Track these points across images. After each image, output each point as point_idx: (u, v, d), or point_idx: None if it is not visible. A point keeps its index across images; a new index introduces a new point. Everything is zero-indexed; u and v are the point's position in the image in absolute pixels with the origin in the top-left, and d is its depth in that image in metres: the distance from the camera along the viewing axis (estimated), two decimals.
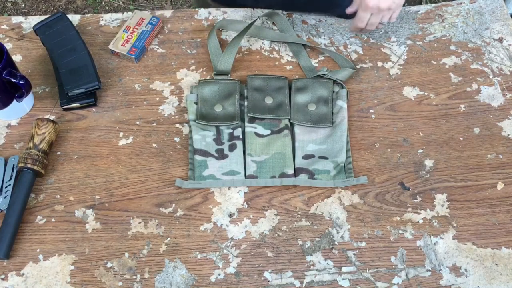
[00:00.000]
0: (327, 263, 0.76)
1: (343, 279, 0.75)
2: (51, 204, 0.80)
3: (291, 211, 0.80)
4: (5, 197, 0.79)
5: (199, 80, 0.89)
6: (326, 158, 0.83)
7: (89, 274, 0.75)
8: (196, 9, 1.00)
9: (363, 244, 0.78)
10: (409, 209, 0.80)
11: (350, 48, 0.96)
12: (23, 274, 0.75)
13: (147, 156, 0.85)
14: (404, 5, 0.97)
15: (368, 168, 0.84)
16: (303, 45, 0.95)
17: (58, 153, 0.85)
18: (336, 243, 0.78)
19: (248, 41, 0.97)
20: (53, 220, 0.79)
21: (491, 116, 0.89)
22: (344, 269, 0.76)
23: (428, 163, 0.84)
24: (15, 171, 0.81)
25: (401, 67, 0.94)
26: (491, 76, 0.93)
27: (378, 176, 0.83)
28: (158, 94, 0.91)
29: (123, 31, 0.94)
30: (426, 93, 0.91)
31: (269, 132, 0.85)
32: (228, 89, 0.88)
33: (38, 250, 0.77)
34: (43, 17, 0.94)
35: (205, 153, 0.83)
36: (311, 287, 0.75)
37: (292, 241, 0.78)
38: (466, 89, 0.92)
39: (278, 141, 0.84)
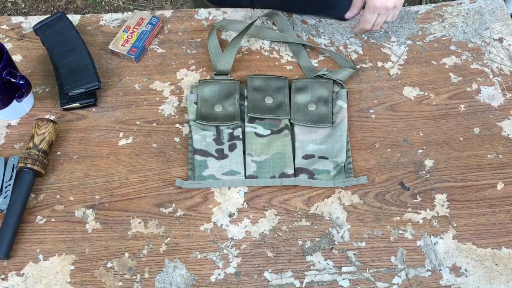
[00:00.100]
0: (327, 263, 0.76)
1: (343, 279, 0.75)
2: (51, 204, 0.80)
3: (291, 211, 0.80)
4: (5, 197, 0.79)
5: (199, 80, 0.89)
6: (326, 158, 0.83)
7: (89, 274, 0.75)
8: (196, 9, 1.00)
9: (363, 244, 0.78)
10: (409, 209, 0.80)
11: (350, 48, 0.96)
12: (23, 274, 0.75)
13: (147, 156, 0.85)
14: (404, 5, 0.97)
15: (368, 168, 0.84)
16: (303, 45, 0.95)
17: (58, 153, 0.85)
18: (336, 243, 0.78)
19: (248, 41, 0.97)
20: (53, 220, 0.79)
21: (491, 116, 0.89)
22: (344, 269, 0.76)
23: (428, 163, 0.84)
24: (15, 171, 0.81)
25: (401, 67, 0.94)
26: (491, 76, 0.93)
27: (378, 176, 0.83)
28: (158, 94, 0.91)
29: (123, 31, 0.94)
30: (426, 93, 0.91)
31: (269, 132, 0.85)
32: (228, 89, 0.88)
33: (38, 250, 0.77)
34: (43, 17, 0.94)
35: (205, 153, 0.83)
36: (311, 287, 0.75)
37: (292, 241, 0.78)
38: (466, 89, 0.92)
39: (278, 141, 0.84)
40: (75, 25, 0.96)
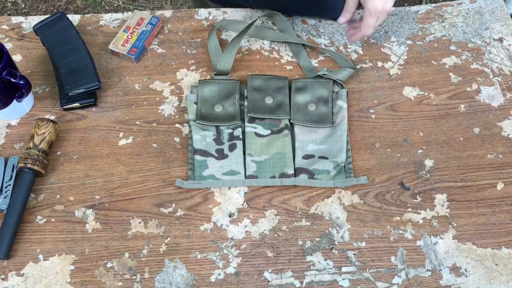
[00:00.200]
0: (327, 263, 0.76)
1: (343, 279, 0.75)
2: (51, 204, 0.80)
3: (291, 211, 0.80)
4: (5, 197, 0.79)
5: (199, 80, 0.89)
6: (326, 158, 0.83)
7: (89, 274, 0.75)
8: (196, 9, 1.00)
9: (363, 244, 0.78)
10: (409, 209, 0.80)
11: (350, 48, 0.96)
12: (23, 274, 0.75)
13: (147, 156, 0.85)
14: (404, 5, 0.97)
15: (368, 168, 0.84)
16: (303, 45, 0.95)
17: (58, 153, 0.85)
18: (336, 243, 0.78)
19: (248, 41, 0.97)
20: (53, 220, 0.79)
21: (491, 116, 0.89)
22: (344, 269, 0.76)
23: (428, 163, 0.84)
24: (15, 171, 0.82)
25: (401, 67, 0.94)
26: (491, 76, 0.93)
27: (378, 176, 0.83)
28: (158, 94, 0.91)
29: (123, 31, 0.94)
30: (426, 93, 0.91)
31: (269, 132, 0.85)
32: (228, 89, 0.88)
33: (38, 250, 0.77)
34: (43, 17, 0.94)
35: (205, 153, 0.83)
36: (311, 287, 0.75)
37: (292, 241, 0.78)
38: (466, 89, 0.92)
39: (278, 141, 0.84)
40: (75, 25, 0.96)
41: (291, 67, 0.94)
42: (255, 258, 0.77)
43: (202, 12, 1.00)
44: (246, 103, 0.87)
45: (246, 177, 0.82)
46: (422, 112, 0.89)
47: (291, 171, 0.82)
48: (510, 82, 0.92)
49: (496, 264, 0.76)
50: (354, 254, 0.77)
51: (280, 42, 0.97)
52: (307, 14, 0.99)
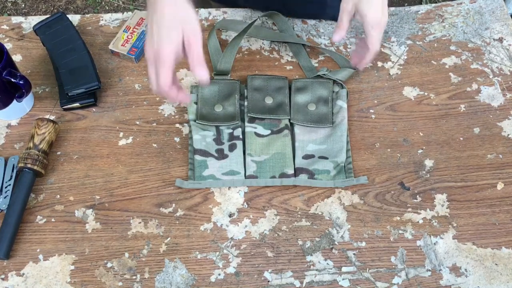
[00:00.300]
0: (327, 263, 0.76)
1: (343, 279, 0.75)
2: (51, 204, 0.80)
3: (291, 211, 0.80)
4: (5, 197, 0.79)
5: None
6: (326, 158, 0.83)
7: (89, 274, 0.75)
8: (196, 9, 1.00)
9: (363, 244, 0.78)
10: (409, 209, 0.80)
11: (350, 48, 0.96)
12: (23, 274, 0.75)
13: (147, 156, 0.85)
14: (404, 5, 0.97)
15: (368, 168, 0.84)
16: (303, 45, 0.95)
17: (58, 153, 0.85)
18: (336, 243, 0.78)
19: (248, 41, 0.97)
20: (53, 220, 0.79)
21: (491, 116, 0.89)
22: (344, 269, 0.76)
23: (428, 163, 0.84)
24: (15, 171, 0.82)
25: (401, 67, 0.94)
26: (491, 76, 0.93)
27: (378, 176, 0.83)
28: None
29: (123, 31, 0.94)
30: (426, 93, 0.91)
31: (269, 132, 0.85)
32: (228, 89, 0.88)
33: (38, 250, 0.77)
34: (43, 17, 0.94)
35: (205, 153, 0.83)
36: (311, 287, 0.75)
37: (292, 241, 0.78)
38: (466, 89, 0.92)
39: (278, 141, 0.84)
40: (75, 25, 0.96)
41: (291, 67, 0.94)
42: (255, 258, 0.77)
43: (202, 12, 1.00)
44: (246, 103, 0.87)
45: (246, 177, 0.82)
46: (422, 112, 0.89)
47: (291, 171, 0.82)
48: (510, 82, 0.92)
49: (496, 264, 0.76)
50: (354, 254, 0.77)
51: (280, 42, 0.97)
52: (306, 15, 0.99)
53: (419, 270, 0.76)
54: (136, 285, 0.75)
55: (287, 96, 0.88)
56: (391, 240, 0.78)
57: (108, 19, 0.99)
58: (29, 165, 0.79)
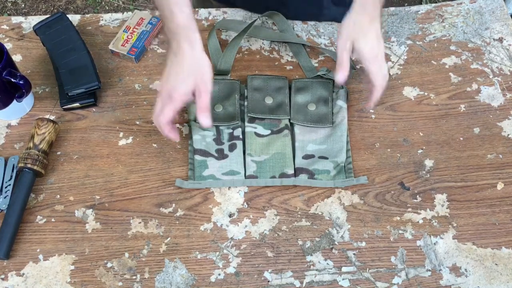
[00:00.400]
0: (327, 263, 0.76)
1: (343, 279, 0.75)
2: (51, 204, 0.80)
3: (291, 211, 0.80)
4: (5, 197, 0.79)
5: None
6: (326, 158, 0.83)
7: (89, 274, 0.75)
8: (196, 9, 1.00)
9: (363, 244, 0.78)
10: (409, 209, 0.80)
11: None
12: (23, 274, 0.75)
13: (147, 156, 0.85)
14: (404, 5, 0.97)
15: (368, 168, 0.84)
16: (303, 45, 0.95)
17: (58, 153, 0.85)
18: (336, 243, 0.78)
19: (248, 41, 0.97)
20: (53, 220, 0.79)
21: (491, 116, 0.89)
22: (344, 269, 0.76)
23: (428, 163, 0.84)
24: (15, 171, 0.81)
25: (401, 67, 0.94)
26: (491, 76, 0.93)
27: (378, 176, 0.83)
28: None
29: (123, 31, 0.94)
30: (426, 93, 0.91)
31: (269, 132, 0.85)
32: (228, 89, 0.88)
33: (38, 250, 0.77)
34: (43, 17, 0.94)
35: (205, 153, 0.83)
36: (311, 287, 0.75)
37: (292, 241, 0.78)
38: (466, 89, 0.92)
39: (278, 141, 0.84)
40: (75, 25, 0.96)
41: (291, 67, 0.94)
42: (255, 258, 0.77)
43: (202, 12, 1.00)
44: (246, 103, 0.87)
45: (246, 177, 0.82)
46: (422, 112, 0.89)
47: (291, 171, 0.82)
48: (510, 82, 0.92)
49: (496, 264, 0.76)
50: (354, 254, 0.77)
51: (280, 42, 0.97)
52: (305, 17, 0.99)
53: (419, 270, 0.76)
54: (136, 285, 0.75)
55: (287, 96, 0.88)
56: (391, 240, 0.78)
57: (108, 19, 0.99)
58: (29, 165, 0.79)
